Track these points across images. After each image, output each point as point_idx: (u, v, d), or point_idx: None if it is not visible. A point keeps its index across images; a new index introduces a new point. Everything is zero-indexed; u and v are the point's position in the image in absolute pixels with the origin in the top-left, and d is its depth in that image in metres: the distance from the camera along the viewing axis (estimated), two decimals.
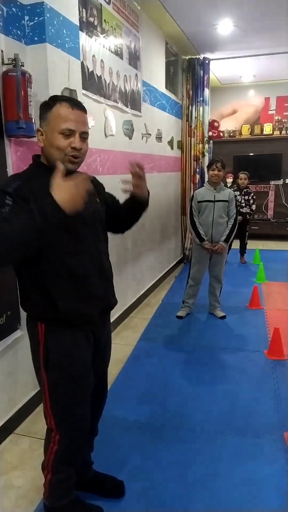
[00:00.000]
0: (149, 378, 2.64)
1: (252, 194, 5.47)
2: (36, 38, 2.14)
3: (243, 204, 5.36)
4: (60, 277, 1.29)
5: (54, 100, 1.30)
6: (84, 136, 1.30)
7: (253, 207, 5.48)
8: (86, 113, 1.33)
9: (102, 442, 1.91)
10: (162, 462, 1.88)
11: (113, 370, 2.70)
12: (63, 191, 1.14)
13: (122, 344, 3.12)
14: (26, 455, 1.94)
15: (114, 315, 3.40)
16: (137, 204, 1.55)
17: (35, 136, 2.07)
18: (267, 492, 1.70)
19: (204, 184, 3.59)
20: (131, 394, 2.44)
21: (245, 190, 5.45)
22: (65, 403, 1.40)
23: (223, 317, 3.63)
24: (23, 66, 1.95)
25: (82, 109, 1.32)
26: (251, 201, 5.44)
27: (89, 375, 1.43)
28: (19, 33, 2.07)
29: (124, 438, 2.05)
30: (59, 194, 1.13)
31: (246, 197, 5.42)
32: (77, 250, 1.32)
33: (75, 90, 2.48)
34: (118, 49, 3.21)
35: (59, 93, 2.29)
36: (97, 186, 1.52)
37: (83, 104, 1.34)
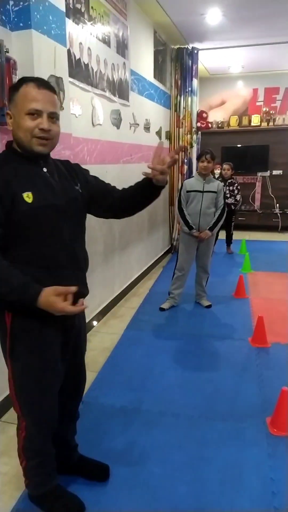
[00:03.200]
0: (135, 365, 2.68)
1: (236, 184, 5.52)
2: (21, 24, 2.11)
3: (228, 195, 5.41)
4: (30, 266, 1.26)
5: (21, 81, 1.27)
6: (52, 116, 1.26)
7: (238, 197, 5.54)
8: (55, 93, 1.30)
9: (88, 428, 1.95)
10: (147, 447, 1.92)
11: (100, 358, 2.73)
12: (49, 307, 1.20)
13: (109, 333, 3.15)
14: (12, 442, 1.94)
15: (102, 304, 3.42)
16: (151, 191, 1.45)
17: None
18: (249, 475, 1.76)
19: (193, 175, 3.61)
20: (118, 381, 2.48)
21: (229, 180, 5.49)
22: (29, 391, 1.40)
23: (209, 306, 3.68)
24: (7, 52, 1.93)
25: (50, 89, 1.28)
26: (236, 192, 5.50)
27: (55, 365, 1.41)
28: (3, 18, 2.04)
29: (110, 424, 2.08)
30: (42, 304, 1.20)
31: (231, 188, 5.47)
32: (50, 240, 1.29)
33: (62, 78, 2.46)
34: (106, 37, 3.19)
35: None
36: (78, 172, 1.47)
37: (51, 84, 1.32)
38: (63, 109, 2.37)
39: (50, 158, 1.39)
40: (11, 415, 2.15)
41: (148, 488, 1.68)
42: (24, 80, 1.27)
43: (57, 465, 1.62)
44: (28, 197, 1.23)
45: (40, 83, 1.26)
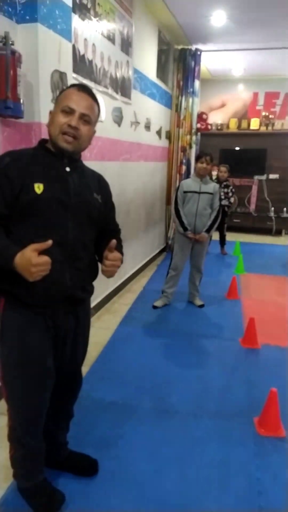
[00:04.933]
0: (127, 361, 2.70)
1: (231, 187, 5.56)
2: (27, 17, 2.12)
3: (222, 197, 5.43)
4: None
5: (69, 86, 1.39)
6: (85, 119, 1.32)
7: (232, 200, 5.57)
8: (94, 100, 1.36)
9: (78, 421, 1.96)
10: (135, 442, 1.94)
11: (93, 353, 2.75)
12: (22, 263, 1.17)
13: (103, 328, 3.17)
14: (3, 433, 1.95)
15: (96, 299, 3.44)
16: None
17: (22, 118, 2.07)
18: (235, 473, 1.79)
19: (191, 176, 3.63)
20: (109, 376, 2.50)
21: (225, 183, 5.52)
22: (12, 379, 1.41)
23: (202, 306, 3.71)
24: (13, 45, 1.93)
25: (90, 93, 1.35)
26: (230, 194, 5.53)
27: (43, 360, 1.41)
28: (10, 10, 2.04)
29: (100, 418, 2.10)
30: (19, 262, 1.18)
31: (226, 190, 5.50)
32: (51, 233, 1.28)
33: (66, 73, 2.47)
34: (111, 34, 3.19)
35: (49, 75, 2.28)
36: (104, 188, 1.51)
37: (93, 92, 1.37)
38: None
39: (81, 162, 1.44)
40: (2, 405, 2.16)
41: (135, 484, 1.70)
42: (71, 85, 1.39)
43: (46, 459, 1.64)
44: (38, 188, 1.28)
45: (82, 87, 1.36)
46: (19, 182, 1.26)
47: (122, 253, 1.49)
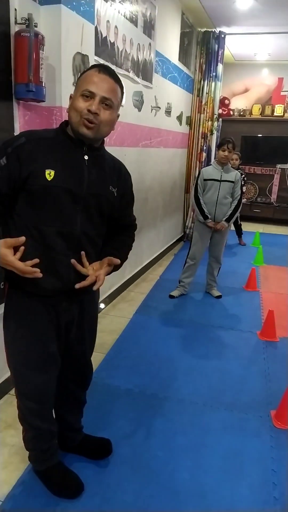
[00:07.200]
0: (142, 350, 2.70)
1: (243, 175, 5.42)
2: None
3: None
4: (30, 240, 1.25)
5: (90, 67, 1.30)
6: (106, 103, 1.24)
7: (244, 189, 5.44)
8: (116, 82, 1.27)
9: (93, 407, 1.98)
10: (150, 430, 1.95)
11: (108, 340, 2.76)
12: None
13: (118, 316, 3.17)
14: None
15: (112, 288, 3.44)
16: None
17: (44, 101, 2.05)
18: (250, 464, 1.78)
19: (211, 163, 3.56)
20: (124, 364, 2.50)
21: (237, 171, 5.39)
22: (16, 362, 1.43)
23: (219, 297, 3.68)
24: (36, 27, 1.90)
25: (112, 75, 1.26)
26: (242, 183, 5.39)
27: (45, 346, 1.39)
28: None
29: (115, 405, 2.11)
30: None
31: None
32: (53, 222, 1.26)
33: (87, 56, 2.42)
34: (133, 16, 3.11)
35: (71, 58, 2.24)
36: (122, 180, 1.43)
37: (116, 72, 1.29)
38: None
39: (103, 150, 1.37)
40: None
41: (149, 471, 1.71)
42: (92, 66, 1.30)
43: (61, 443, 1.66)
44: (49, 174, 1.23)
45: (103, 68, 1.27)
46: (29, 166, 1.22)
47: (125, 258, 1.45)
